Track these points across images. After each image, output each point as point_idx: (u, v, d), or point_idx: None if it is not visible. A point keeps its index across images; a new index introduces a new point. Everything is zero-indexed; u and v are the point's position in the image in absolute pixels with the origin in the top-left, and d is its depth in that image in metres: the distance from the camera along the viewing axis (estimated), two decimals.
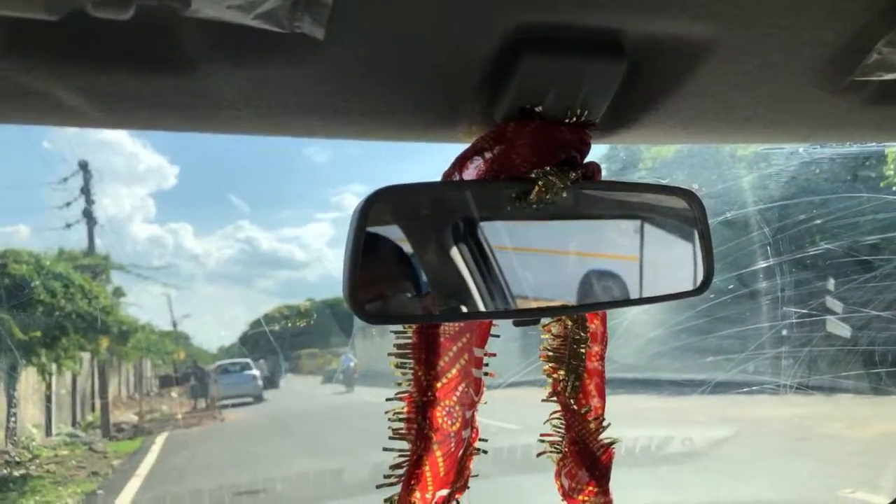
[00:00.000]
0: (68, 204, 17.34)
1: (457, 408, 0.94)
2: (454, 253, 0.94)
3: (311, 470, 8.41)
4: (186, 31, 0.68)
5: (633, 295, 1.01)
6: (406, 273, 0.89)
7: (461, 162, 0.91)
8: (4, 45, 0.66)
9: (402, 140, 0.95)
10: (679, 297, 1.03)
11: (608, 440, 1.03)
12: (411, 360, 0.93)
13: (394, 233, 0.88)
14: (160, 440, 14.13)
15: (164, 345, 23.05)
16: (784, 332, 8.05)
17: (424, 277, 0.92)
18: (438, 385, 0.93)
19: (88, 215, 17.47)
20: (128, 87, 0.75)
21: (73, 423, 15.39)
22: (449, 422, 0.93)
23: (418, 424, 0.93)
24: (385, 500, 0.93)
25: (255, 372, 21.88)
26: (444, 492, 0.95)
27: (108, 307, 15.12)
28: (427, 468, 0.93)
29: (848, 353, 7.92)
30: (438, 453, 0.93)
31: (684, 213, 0.99)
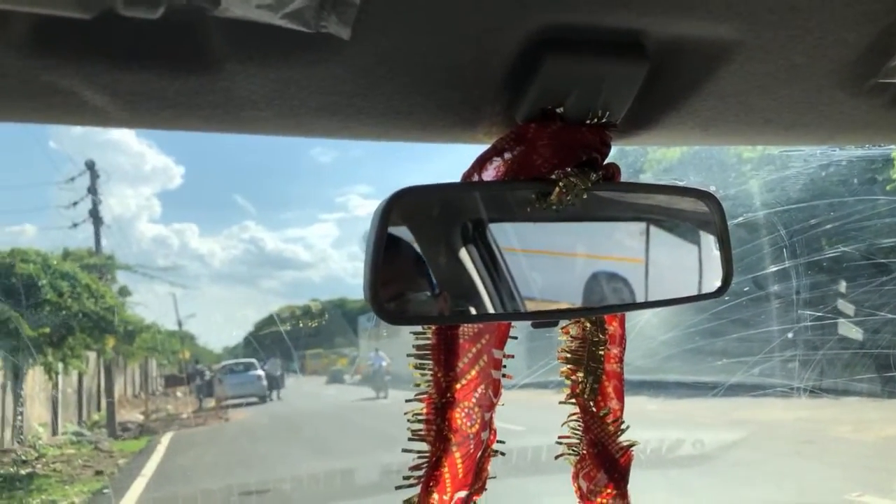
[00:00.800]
0: (75, 203, 17.40)
1: (476, 409, 0.94)
2: (473, 253, 0.93)
3: (321, 470, 8.40)
4: (213, 30, 0.68)
5: (651, 297, 1.00)
6: (427, 274, 0.89)
7: (481, 163, 0.91)
8: (32, 43, 0.67)
9: (422, 141, 0.95)
10: (698, 300, 1.02)
11: (627, 443, 1.03)
12: (430, 362, 0.93)
13: (414, 233, 0.88)
14: (165, 440, 14.16)
15: (169, 344, 23.10)
16: (799, 336, 8.01)
17: (442, 279, 0.92)
18: (457, 386, 0.92)
19: (95, 215, 17.51)
20: (152, 86, 0.75)
21: (79, 422, 15.44)
22: (468, 423, 0.93)
23: (437, 426, 0.92)
24: (404, 502, 0.93)
25: (260, 372, 21.87)
26: (463, 493, 0.95)
27: (115, 307, 15.16)
28: (446, 470, 0.93)
29: (864, 356, 7.88)
30: (457, 455, 0.93)
31: (703, 215, 0.99)
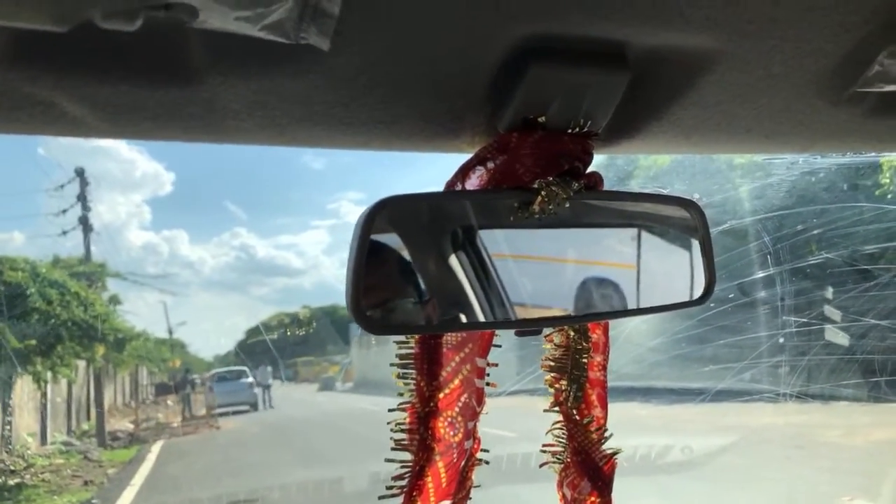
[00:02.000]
0: (64, 211, 17.35)
1: (459, 418, 0.93)
2: (456, 262, 0.93)
3: (311, 479, 8.34)
4: (192, 42, 0.68)
5: (635, 305, 1.01)
6: (409, 283, 0.89)
7: (464, 172, 0.91)
8: (11, 55, 0.66)
9: (405, 150, 0.95)
10: (681, 308, 1.03)
11: (611, 450, 1.03)
12: (413, 371, 0.92)
13: (397, 242, 0.88)
14: (156, 449, 14.07)
15: (160, 353, 22.99)
16: (786, 341, 8.05)
17: (427, 287, 0.92)
18: (441, 395, 0.92)
19: (84, 222, 17.45)
20: (133, 97, 0.75)
21: (69, 432, 15.32)
22: (451, 432, 0.93)
23: (420, 435, 0.92)
24: None
25: (251, 380, 21.82)
26: (447, 503, 0.95)
27: (104, 315, 15.08)
28: (429, 479, 0.92)
29: (850, 361, 7.92)
30: (440, 464, 0.93)
31: (686, 223, 1.00)
